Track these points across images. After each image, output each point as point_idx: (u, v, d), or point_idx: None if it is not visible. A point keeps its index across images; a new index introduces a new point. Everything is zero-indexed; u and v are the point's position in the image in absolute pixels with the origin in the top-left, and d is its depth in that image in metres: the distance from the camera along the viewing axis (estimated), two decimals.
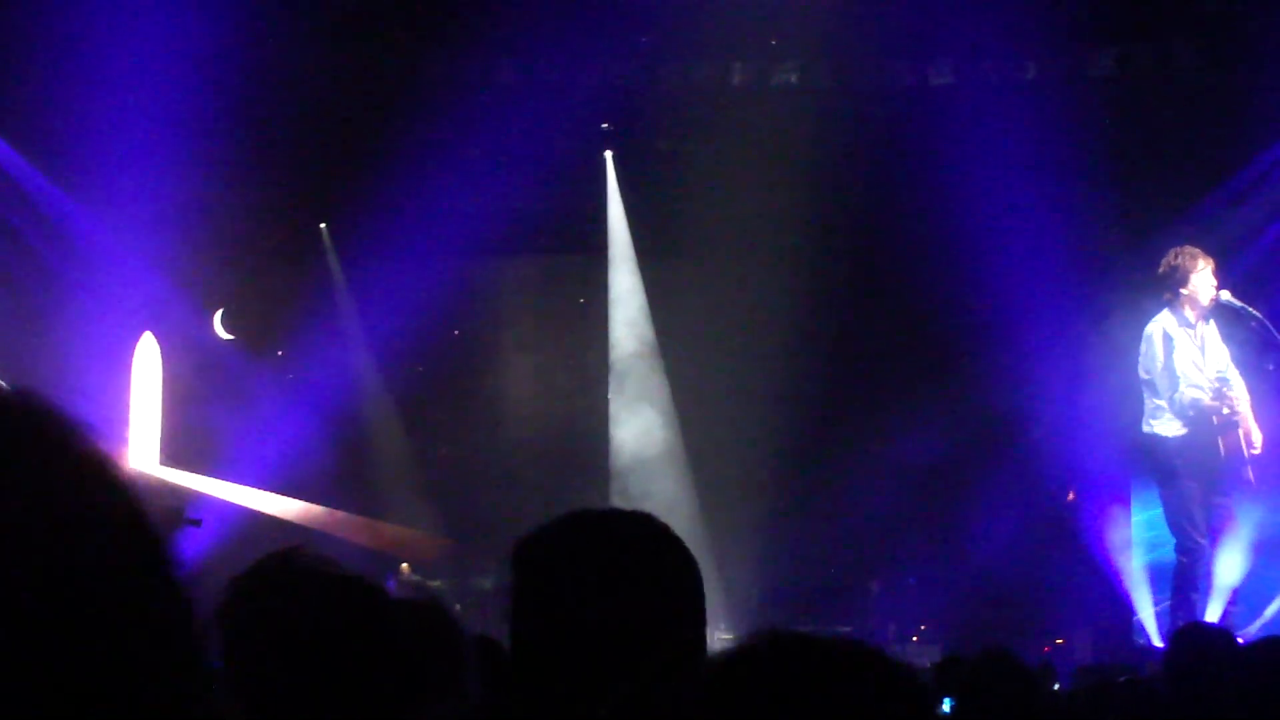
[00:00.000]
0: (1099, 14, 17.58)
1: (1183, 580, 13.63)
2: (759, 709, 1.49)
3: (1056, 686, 11.22)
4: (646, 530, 2.22)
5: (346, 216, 19.08)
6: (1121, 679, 7.38)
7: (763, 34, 18.10)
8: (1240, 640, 7.58)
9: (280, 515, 18.83)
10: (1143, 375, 13.83)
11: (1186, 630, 6.88)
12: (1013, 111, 17.51)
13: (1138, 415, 14.08)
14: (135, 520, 1.21)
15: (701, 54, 18.20)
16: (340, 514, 19.22)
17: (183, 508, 14.07)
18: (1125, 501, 17.66)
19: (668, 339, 20.30)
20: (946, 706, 5.84)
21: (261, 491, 18.75)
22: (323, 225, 20.01)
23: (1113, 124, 18.21)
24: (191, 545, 13.53)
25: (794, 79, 18.38)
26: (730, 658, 1.60)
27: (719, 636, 17.19)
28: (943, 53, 18.14)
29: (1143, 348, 13.71)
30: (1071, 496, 18.88)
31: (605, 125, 19.41)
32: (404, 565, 18.16)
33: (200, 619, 1.26)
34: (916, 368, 19.63)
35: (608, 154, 19.98)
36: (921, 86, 18.23)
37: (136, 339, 18.26)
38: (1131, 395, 14.25)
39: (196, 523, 12.63)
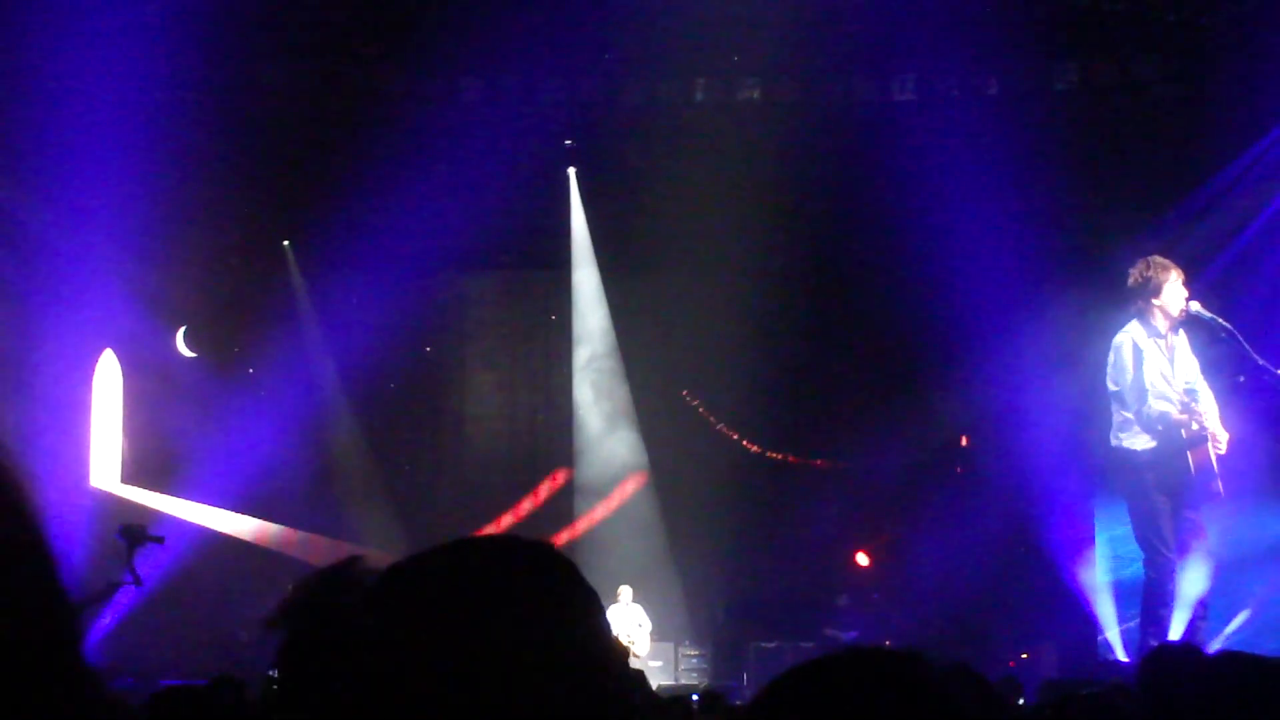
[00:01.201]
0: (1061, 29, 17.40)
1: (1151, 595, 13.30)
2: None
3: (1021, 701, 10.95)
4: (538, 562, 1.84)
5: (310, 233, 18.93)
6: (1085, 692, 7.21)
7: (726, 50, 17.92)
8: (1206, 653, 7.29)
9: (241, 535, 18.57)
10: (1111, 387, 13.52)
11: (1156, 654, 6.55)
12: (976, 126, 17.37)
13: (1104, 429, 13.77)
14: (26, 544, 1.22)
15: (665, 70, 18.03)
16: (302, 534, 18.94)
17: (144, 525, 13.65)
18: (1090, 517, 17.46)
19: (632, 355, 20.19)
20: None
21: (223, 511, 18.48)
22: (286, 242, 19.80)
23: (1076, 138, 18.01)
24: (153, 563, 13.20)
25: (757, 95, 18.24)
26: (801, 673, 1.61)
27: (683, 652, 18.65)
28: (905, 68, 17.98)
29: (1111, 358, 13.41)
30: (965, 441, 18.79)
31: (569, 142, 19.22)
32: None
33: (85, 647, 1.26)
34: (879, 383, 19.53)
35: (571, 170, 19.87)
36: (884, 102, 18.08)
37: (97, 356, 17.95)
38: (1098, 408, 13.88)
39: (159, 539, 12.18)
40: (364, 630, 1.70)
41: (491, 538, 1.80)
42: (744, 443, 19.65)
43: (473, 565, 1.72)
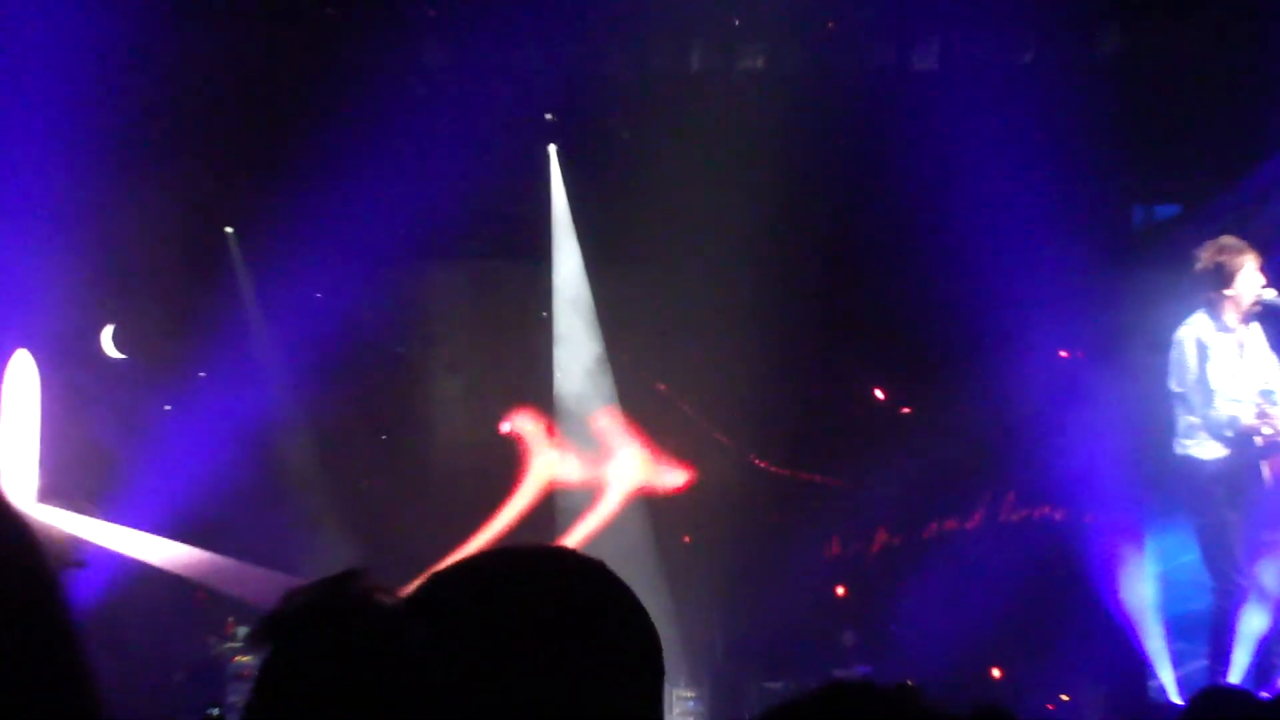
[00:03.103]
0: None
1: (1221, 631, 12.90)
2: None
3: None
4: (588, 574, 2.03)
5: (255, 219, 18.60)
6: None
7: (725, 13, 17.64)
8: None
9: (175, 566, 18.12)
10: (1174, 388, 13.18)
11: (1205, 695, 6.42)
12: (1007, 98, 16.93)
13: (1162, 434, 13.36)
14: (26, 556, 1.44)
15: (657, 36, 17.86)
16: (245, 565, 18.47)
17: (65, 549, 13.20)
18: (1143, 537, 17.10)
19: (621, 357, 19.82)
20: None
21: (155, 537, 18.01)
22: (228, 229, 19.42)
23: (1122, 110, 17.50)
24: (74, 594, 12.29)
25: (760, 64, 18.06)
26: (790, 710, 1.77)
27: (678, 694, 18.03)
28: (927, 34, 17.69)
29: (1172, 355, 13.07)
30: (880, 394, 18.90)
31: (549, 116, 19.00)
32: None
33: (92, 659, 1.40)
34: (899, 383, 19.39)
35: (551, 148, 19.53)
36: (903, 72, 17.81)
37: (8, 357, 17.38)
38: (1154, 411, 13.69)
39: (80, 564, 11.72)
40: (406, 642, 1.83)
41: (546, 549, 1.98)
42: (750, 457, 19.33)
43: (528, 579, 1.83)
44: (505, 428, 19.91)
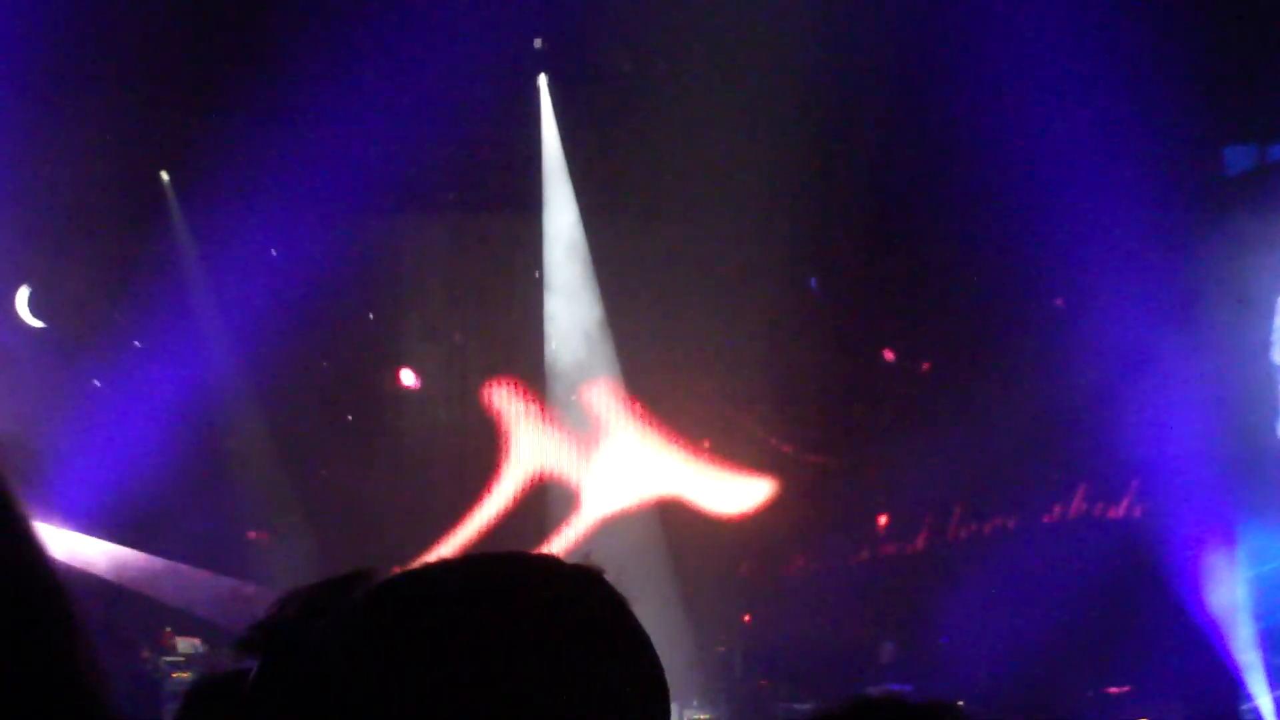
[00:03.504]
0: None
1: None
2: None
3: None
4: (578, 587, 1.87)
5: (196, 162, 18.23)
6: None
7: None
8: None
9: (102, 569, 17.99)
10: (1277, 360, 12.79)
11: None
12: (1072, 6, 16.58)
13: (1263, 415, 13.40)
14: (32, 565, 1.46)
15: None
16: (185, 568, 18.54)
17: None
18: (1234, 536, 16.87)
19: (621, 320, 19.61)
20: None
21: (79, 535, 17.86)
22: (164, 173, 19.06)
23: (1211, 25, 17.02)
24: None
25: None
26: None
27: (691, 717, 18.20)
28: None
29: (1276, 323, 12.69)
30: (815, 284, 18.88)
31: (538, 42, 18.73)
32: None
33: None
34: (946, 356, 19.08)
35: (541, 78, 19.29)
36: None
37: None
38: (1252, 389, 13.74)
39: None
40: (339, 662, 1.86)
41: (522, 556, 1.89)
42: (771, 441, 19.10)
43: (499, 594, 1.81)
44: (490, 405, 19.79)
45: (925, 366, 19.52)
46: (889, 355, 19.42)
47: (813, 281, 18.91)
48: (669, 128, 18.10)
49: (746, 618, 19.47)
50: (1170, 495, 17.24)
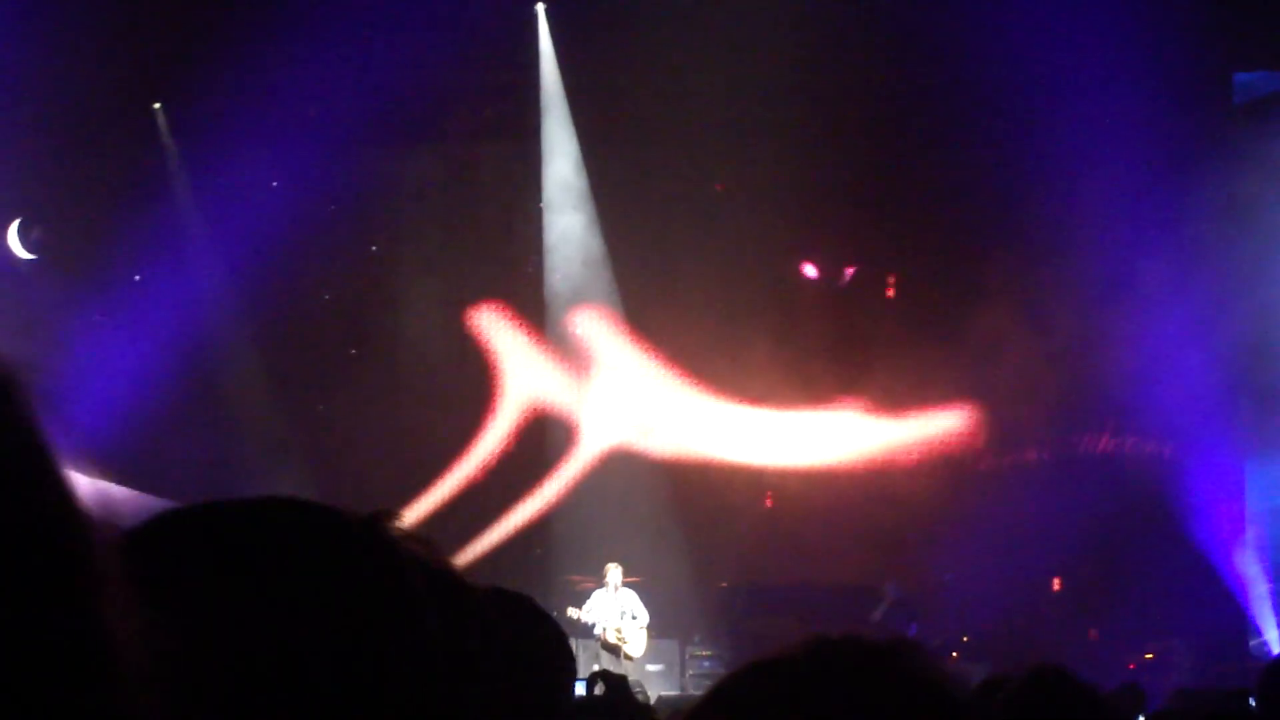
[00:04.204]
0: None
1: None
2: None
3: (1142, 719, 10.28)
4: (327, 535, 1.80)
5: (188, 93, 18.15)
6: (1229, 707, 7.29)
7: None
8: None
9: (90, 507, 17.53)
10: None
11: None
12: None
13: (1267, 347, 13.60)
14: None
15: None
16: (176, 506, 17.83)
17: None
18: (1242, 477, 16.93)
19: (622, 256, 19.45)
20: None
21: (69, 472, 17.36)
22: (157, 105, 18.90)
23: None
24: None
25: None
26: (763, 668, 1.69)
27: (692, 653, 18.26)
28: None
29: None
30: (721, 186, 18.65)
31: None
32: None
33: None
34: (954, 290, 18.67)
35: (539, 7, 19.19)
36: None
37: None
38: (1262, 320, 13.85)
39: None
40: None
41: (287, 501, 1.81)
42: (777, 382, 18.73)
43: (237, 532, 1.73)
44: (489, 336, 19.74)
45: (808, 266, 19.45)
46: (812, 269, 19.23)
47: None
48: (666, 54, 18.00)
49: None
50: (1178, 429, 17.29)
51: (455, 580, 2.06)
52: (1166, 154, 16.69)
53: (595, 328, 19.59)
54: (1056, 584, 18.03)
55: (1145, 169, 16.72)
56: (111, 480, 17.63)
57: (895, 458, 18.87)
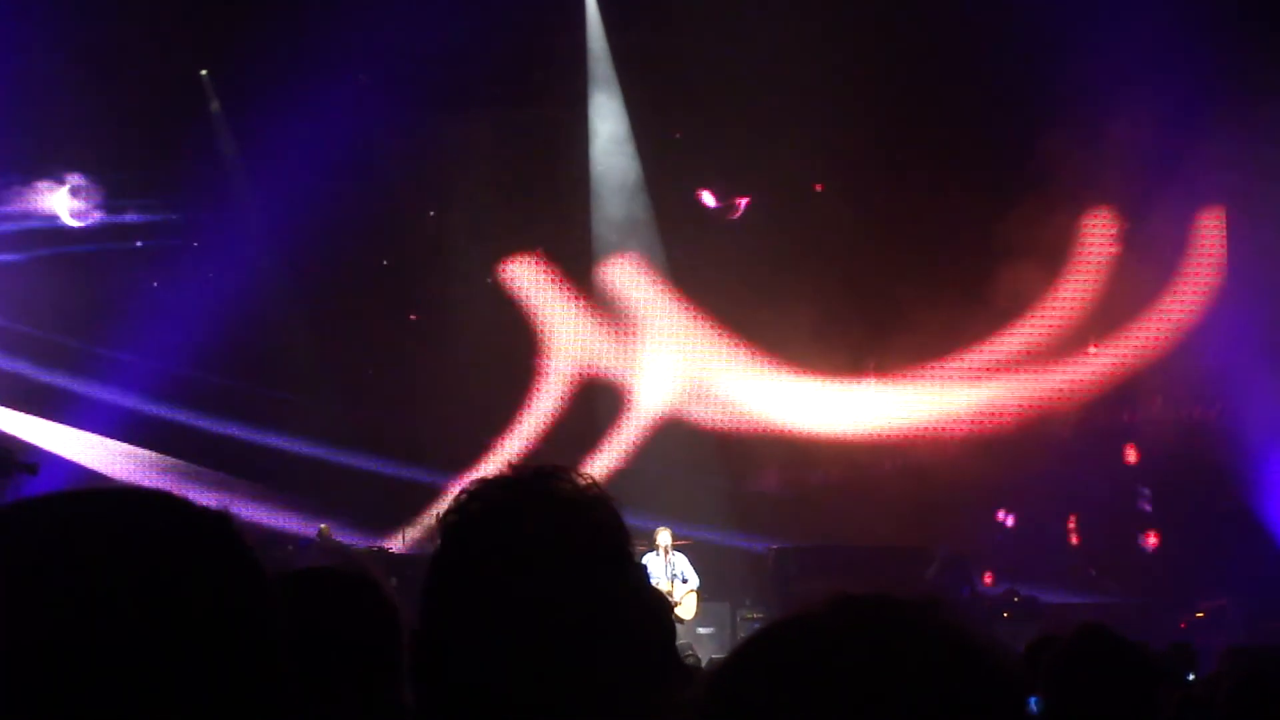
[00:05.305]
0: None
1: None
2: (813, 686, 1.53)
3: (1192, 677, 10.27)
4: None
5: (236, 60, 18.18)
6: None
7: None
8: None
9: (135, 477, 17.66)
10: None
11: None
12: None
13: None
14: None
15: None
16: (223, 476, 18.21)
17: (12, 451, 12.67)
18: None
19: (669, 220, 19.40)
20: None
21: (116, 442, 17.91)
22: (204, 72, 18.87)
23: None
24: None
25: None
26: (786, 625, 1.62)
27: (743, 616, 18.08)
28: None
29: None
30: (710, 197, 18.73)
31: None
32: (323, 526, 17.04)
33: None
34: (987, 238, 18.28)
35: None
36: None
37: None
38: None
39: (31, 468, 11.77)
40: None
41: (131, 491, 1.76)
42: (825, 345, 18.61)
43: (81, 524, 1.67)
44: (539, 301, 19.72)
45: (705, 193, 19.47)
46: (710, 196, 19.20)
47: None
48: (715, 21, 17.89)
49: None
50: (1227, 391, 17.37)
51: (259, 570, 1.89)
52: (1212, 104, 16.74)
53: (643, 289, 19.52)
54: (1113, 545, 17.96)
55: (1184, 121, 16.72)
56: (159, 450, 18.15)
57: (946, 425, 18.80)
